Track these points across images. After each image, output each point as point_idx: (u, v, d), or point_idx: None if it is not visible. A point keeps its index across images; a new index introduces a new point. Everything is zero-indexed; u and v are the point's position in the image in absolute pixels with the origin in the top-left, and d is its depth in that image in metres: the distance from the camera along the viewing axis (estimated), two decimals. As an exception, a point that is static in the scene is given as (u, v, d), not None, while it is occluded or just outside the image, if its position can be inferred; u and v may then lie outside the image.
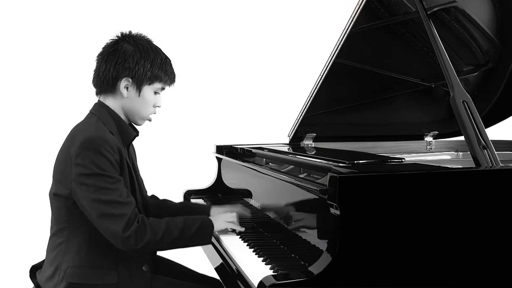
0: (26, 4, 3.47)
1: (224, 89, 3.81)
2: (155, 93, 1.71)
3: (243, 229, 1.82)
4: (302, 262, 1.51)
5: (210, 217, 1.74)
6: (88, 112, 1.70)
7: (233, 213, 1.85)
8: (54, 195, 1.61)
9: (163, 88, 1.74)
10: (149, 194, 2.03)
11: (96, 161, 1.50)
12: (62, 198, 1.58)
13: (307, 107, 2.32)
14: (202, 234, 1.66)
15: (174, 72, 1.75)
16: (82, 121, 1.69)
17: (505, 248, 1.43)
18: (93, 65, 1.72)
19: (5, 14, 3.45)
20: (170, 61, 1.74)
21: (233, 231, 1.84)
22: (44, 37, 3.50)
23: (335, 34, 2.13)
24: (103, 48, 1.70)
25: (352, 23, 2.04)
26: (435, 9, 2.18)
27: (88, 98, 1.84)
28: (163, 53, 1.72)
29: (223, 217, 1.80)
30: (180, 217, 1.66)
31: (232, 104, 3.80)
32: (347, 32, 2.06)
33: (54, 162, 1.65)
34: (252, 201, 2.12)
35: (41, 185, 1.73)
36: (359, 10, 2.01)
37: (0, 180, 3.47)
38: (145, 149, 2.01)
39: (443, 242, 1.37)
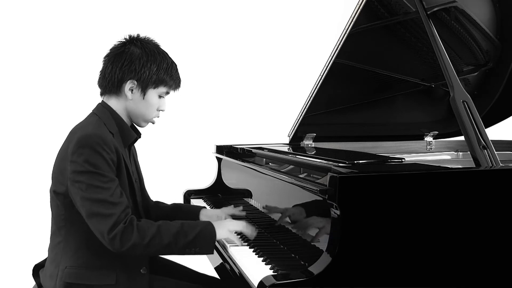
0: (34, 5, 3.48)
1: (224, 89, 3.81)
2: (160, 96, 1.72)
3: (252, 237, 1.72)
4: (302, 262, 1.51)
5: (214, 223, 1.62)
6: (91, 111, 1.71)
7: (242, 221, 1.74)
8: (53, 193, 1.62)
9: (167, 92, 1.74)
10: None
11: (90, 159, 1.49)
12: (60, 196, 1.59)
13: (307, 107, 2.32)
14: (201, 242, 1.56)
15: (179, 77, 1.75)
16: (82, 120, 1.70)
17: (505, 248, 1.43)
18: (97, 66, 1.72)
19: (13, 14, 3.46)
20: (176, 66, 1.74)
21: (241, 237, 1.74)
22: (49, 38, 3.51)
23: (335, 34, 2.13)
24: (110, 49, 1.71)
25: (352, 23, 2.04)
26: (435, 9, 2.18)
27: (91, 98, 1.84)
28: (170, 57, 1.73)
29: (227, 225, 1.67)
30: (178, 222, 1.58)
31: (232, 104, 3.80)
32: (347, 32, 2.06)
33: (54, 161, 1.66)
34: (252, 201, 2.12)
35: (43, 183, 1.74)
36: (359, 10, 2.01)
37: (3, 178, 3.47)
38: (145, 149, 2.01)
39: (443, 242, 1.37)
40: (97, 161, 1.50)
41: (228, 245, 1.71)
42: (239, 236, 1.76)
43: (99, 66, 1.72)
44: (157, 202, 2.01)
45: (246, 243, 1.72)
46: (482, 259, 1.41)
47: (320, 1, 3.91)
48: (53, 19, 3.50)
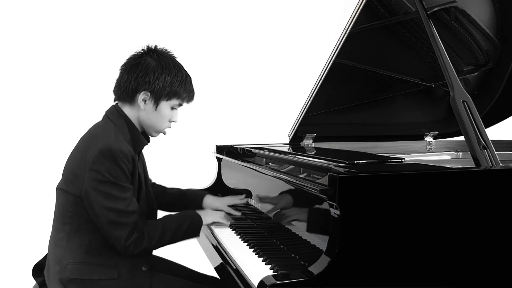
0: (49, 12, 3.49)
1: (224, 89, 3.81)
2: (172, 108, 1.76)
3: (232, 221, 2.00)
4: (302, 262, 1.51)
5: (200, 213, 1.84)
6: (104, 114, 1.74)
7: (221, 212, 1.98)
8: (62, 191, 1.66)
9: (180, 104, 1.78)
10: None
11: (111, 170, 1.56)
12: (70, 195, 1.63)
13: (307, 107, 2.32)
14: (192, 230, 1.79)
15: (193, 90, 1.79)
16: (99, 124, 1.72)
17: (505, 248, 1.43)
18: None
19: (31, 20, 3.48)
20: (190, 79, 1.78)
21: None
22: (59, 41, 3.51)
23: (335, 34, 2.13)
24: (128, 59, 1.75)
25: (352, 23, 2.04)
26: (435, 9, 2.19)
27: (96, 101, 1.86)
28: (185, 70, 1.77)
29: (211, 216, 1.93)
30: (174, 218, 1.76)
31: (232, 104, 3.80)
32: (347, 32, 2.06)
33: (65, 162, 1.70)
34: (252, 201, 2.12)
35: (43, 184, 1.74)
36: (359, 10, 2.01)
37: (2, 180, 3.47)
38: (146, 149, 2.01)
39: (443, 242, 1.37)
40: (117, 172, 1.57)
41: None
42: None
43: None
44: (164, 189, 2.11)
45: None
46: (482, 259, 1.41)
47: (320, 1, 3.91)
48: (70, 25, 3.50)
